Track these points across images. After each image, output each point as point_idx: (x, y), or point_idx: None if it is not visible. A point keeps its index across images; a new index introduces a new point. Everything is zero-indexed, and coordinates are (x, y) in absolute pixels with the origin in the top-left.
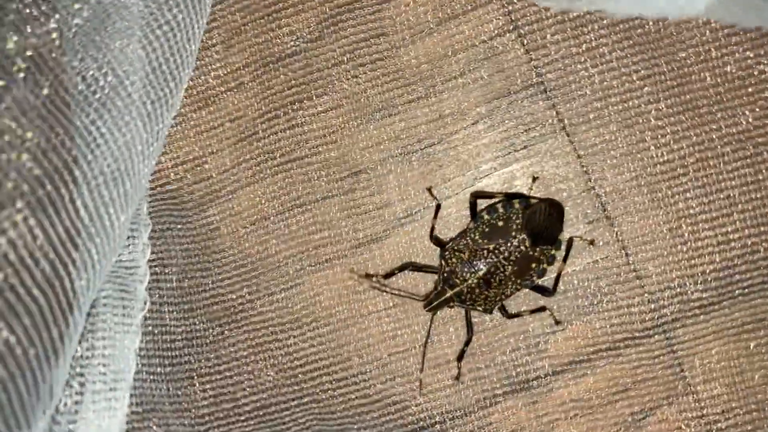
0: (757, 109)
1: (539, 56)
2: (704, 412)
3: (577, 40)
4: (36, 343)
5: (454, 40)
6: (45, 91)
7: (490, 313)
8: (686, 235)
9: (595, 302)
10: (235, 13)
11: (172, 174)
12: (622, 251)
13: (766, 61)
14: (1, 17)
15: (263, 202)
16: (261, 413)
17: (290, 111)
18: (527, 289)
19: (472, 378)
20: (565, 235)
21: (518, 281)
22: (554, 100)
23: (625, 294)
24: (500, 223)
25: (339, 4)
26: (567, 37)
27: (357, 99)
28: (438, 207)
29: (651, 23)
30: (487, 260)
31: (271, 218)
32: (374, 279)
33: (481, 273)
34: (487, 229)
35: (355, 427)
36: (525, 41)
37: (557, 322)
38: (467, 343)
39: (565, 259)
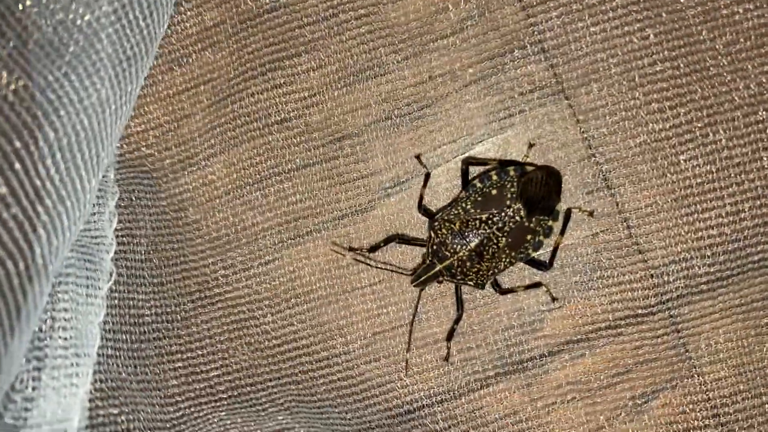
0: None
1: (537, 13)
2: (710, 395)
3: None
4: None
5: None
6: (12, 43)
7: (482, 288)
8: (693, 205)
9: (595, 278)
10: None
11: (141, 140)
12: (624, 223)
13: None
14: None
15: (239, 169)
16: (235, 393)
17: (269, 71)
18: (522, 263)
19: (462, 359)
20: (563, 206)
21: (512, 254)
22: (553, 60)
23: (626, 269)
24: (494, 192)
25: None
26: None
27: (341, 58)
28: (427, 176)
29: None
30: (480, 231)
31: (248, 187)
32: (358, 252)
33: (472, 245)
34: (479, 198)
35: (337, 410)
36: None
37: (554, 299)
38: (457, 321)
39: (562, 231)
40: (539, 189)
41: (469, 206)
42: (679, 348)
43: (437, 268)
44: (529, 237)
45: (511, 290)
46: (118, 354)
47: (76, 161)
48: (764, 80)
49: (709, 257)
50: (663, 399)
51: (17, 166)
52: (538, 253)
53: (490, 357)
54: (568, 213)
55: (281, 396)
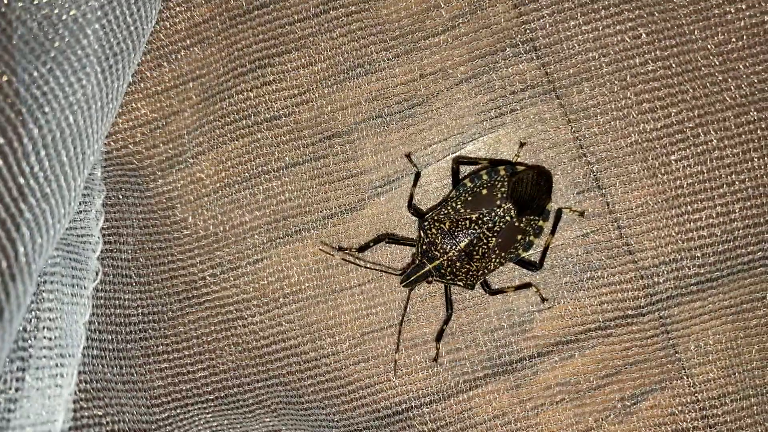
0: (763, 72)
1: (529, 11)
2: (699, 396)
3: None
4: None
5: None
6: None
7: (472, 288)
8: (683, 206)
9: (585, 278)
10: None
11: (129, 137)
12: (614, 223)
13: None
14: None
15: (228, 167)
16: (222, 394)
17: (258, 68)
18: (512, 264)
19: (451, 359)
20: (554, 206)
21: (502, 254)
22: (544, 59)
23: (616, 270)
24: (484, 191)
25: None
26: None
27: (331, 55)
28: (417, 175)
29: None
30: (470, 231)
31: (236, 185)
32: (347, 252)
33: (462, 245)
34: (469, 198)
35: (324, 411)
36: None
37: (544, 300)
38: (446, 321)
39: (553, 232)
40: (530, 189)
41: (459, 206)
42: (669, 349)
43: (427, 268)
44: (519, 237)
45: (500, 291)
46: (103, 354)
47: (61, 158)
48: (756, 80)
49: (699, 258)
50: (652, 400)
51: (0, 162)
52: (528, 253)
53: (480, 358)
54: (558, 213)
55: (269, 397)
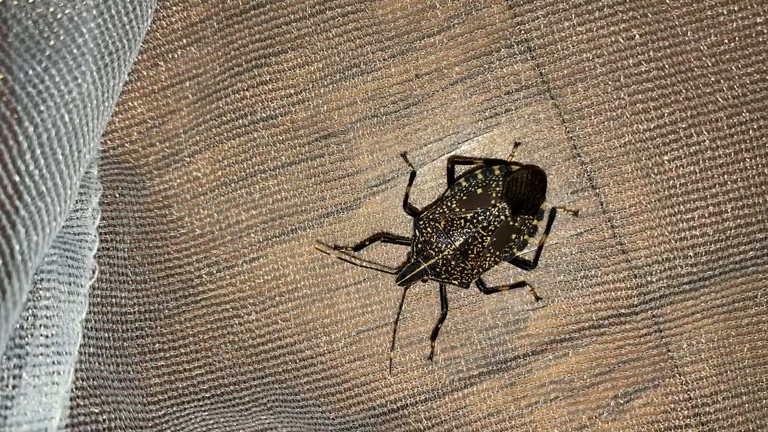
0: (755, 73)
1: (524, 12)
2: (691, 394)
3: None
4: None
5: None
6: None
7: (467, 287)
8: (676, 206)
9: (579, 277)
10: None
11: (125, 136)
12: (608, 223)
13: (763, 22)
14: None
15: (224, 166)
16: (219, 392)
17: (255, 68)
18: (506, 263)
19: (446, 358)
20: (548, 205)
21: (497, 253)
22: (539, 60)
23: (610, 269)
24: (479, 191)
25: None
26: None
27: (327, 55)
28: (413, 174)
29: None
30: (465, 230)
31: (233, 184)
32: (343, 251)
33: (457, 244)
34: (464, 197)
35: (320, 409)
36: None
37: (538, 298)
38: (441, 320)
39: (547, 231)
40: (524, 188)
41: (454, 205)
42: (662, 347)
43: (422, 267)
44: (513, 236)
45: (495, 289)
46: (100, 352)
47: (57, 157)
48: (748, 81)
49: (691, 257)
50: (645, 398)
51: None
52: (522, 252)
53: (474, 356)
54: (552, 212)
55: (264, 395)
